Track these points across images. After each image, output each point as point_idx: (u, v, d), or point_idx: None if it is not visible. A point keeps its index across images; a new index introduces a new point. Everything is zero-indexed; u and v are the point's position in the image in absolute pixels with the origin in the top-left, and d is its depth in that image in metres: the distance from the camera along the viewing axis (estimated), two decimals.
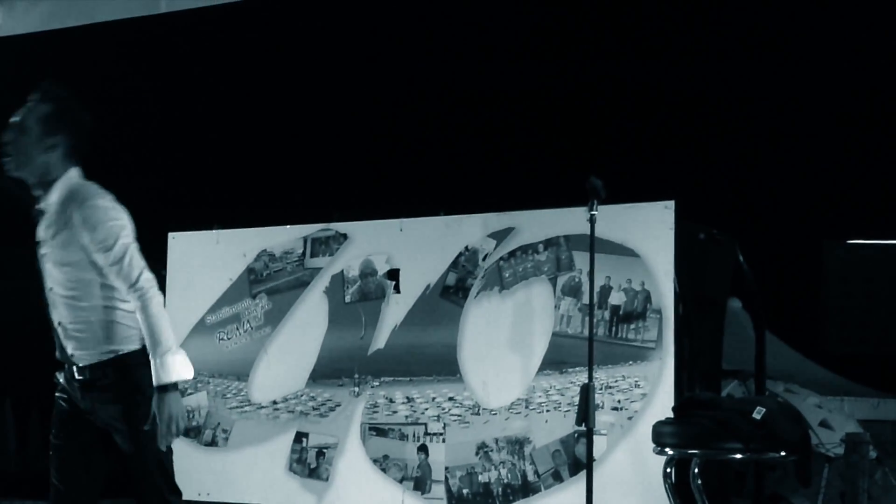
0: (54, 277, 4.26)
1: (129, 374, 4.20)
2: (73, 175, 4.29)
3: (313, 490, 6.40)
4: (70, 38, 5.96)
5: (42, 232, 4.27)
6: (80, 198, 4.21)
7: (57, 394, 4.38)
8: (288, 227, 6.73)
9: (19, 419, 9.37)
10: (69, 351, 4.26)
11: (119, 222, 4.20)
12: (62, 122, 4.28)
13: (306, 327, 6.58)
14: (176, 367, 4.13)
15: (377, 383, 6.30)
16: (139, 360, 4.21)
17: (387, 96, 6.53)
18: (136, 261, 4.19)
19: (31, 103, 4.28)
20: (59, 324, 4.27)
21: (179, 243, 7.02)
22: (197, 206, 7.09)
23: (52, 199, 4.24)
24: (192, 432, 6.80)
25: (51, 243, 4.25)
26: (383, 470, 6.20)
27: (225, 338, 6.82)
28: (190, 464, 6.48)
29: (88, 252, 4.18)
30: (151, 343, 4.14)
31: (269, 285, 6.73)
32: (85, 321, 4.24)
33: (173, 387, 4.12)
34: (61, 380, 4.35)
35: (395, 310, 6.32)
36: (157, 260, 7.06)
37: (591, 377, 5.00)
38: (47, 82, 4.33)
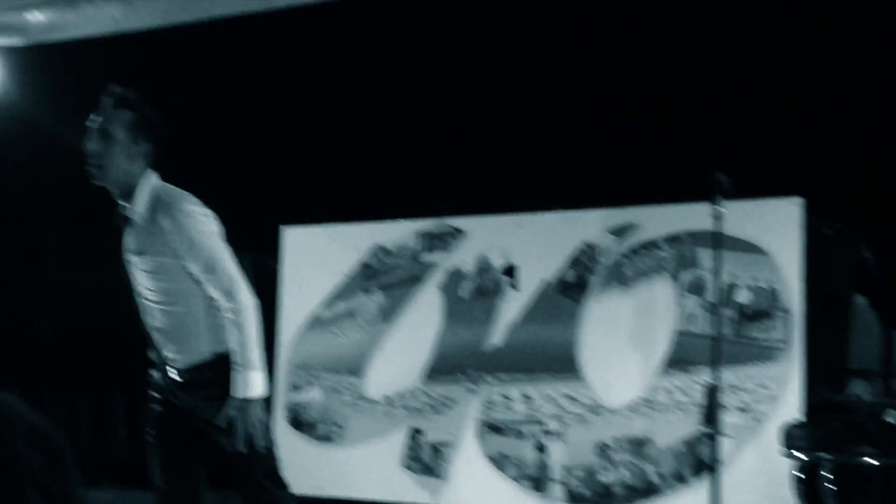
0: (146, 285, 4.29)
1: (227, 374, 4.24)
2: (154, 181, 4.31)
3: (428, 487, 6.42)
4: (188, 33, 6.03)
5: (130, 241, 4.30)
6: (167, 204, 4.22)
7: (151, 392, 4.42)
8: (402, 221, 6.75)
9: (129, 408, 9.52)
10: (166, 354, 4.31)
11: (209, 228, 4.22)
12: (146, 130, 4.30)
13: (421, 323, 6.60)
14: (258, 383, 4.17)
15: (494, 380, 6.29)
16: (234, 360, 4.25)
17: (501, 89, 6.49)
18: (232, 271, 4.21)
19: (110, 109, 4.28)
20: (154, 329, 4.32)
21: (293, 237, 7.07)
22: (310, 200, 7.13)
23: (137, 208, 4.25)
24: (307, 427, 6.86)
25: (140, 252, 4.27)
26: (500, 468, 6.20)
27: (339, 333, 6.87)
28: (304, 459, 6.55)
29: (181, 259, 4.20)
30: (239, 356, 4.17)
31: (383, 280, 6.76)
32: (180, 325, 4.27)
33: (250, 399, 4.17)
34: (156, 378, 4.39)
35: (512, 306, 6.31)
36: (270, 254, 7.13)
37: (716, 377, 4.95)
38: (119, 87, 4.34)
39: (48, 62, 6.71)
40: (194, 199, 4.26)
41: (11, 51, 6.43)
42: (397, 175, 6.88)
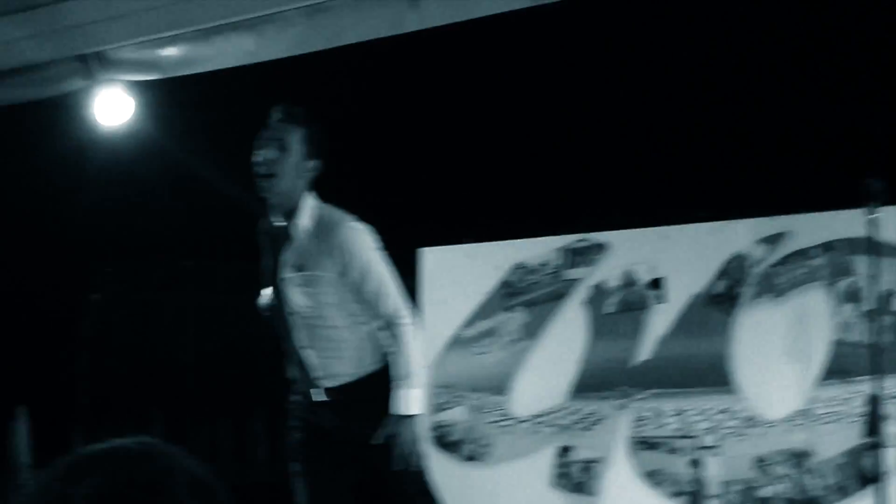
0: (301, 302, 4.36)
1: (380, 392, 4.29)
2: (315, 200, 4.38)
3: None
4: (319, 61, 6.13)
5: (289, 257, 4.37)
6: (336, 222, 4.31)
7: (292, 422, 4.47)
8: (543, 238, 6.76)
9: (270, 431, 9.67)
10: (317, 373, 4.37)
11: (375, 246, 4.31)
12: (319, 148, 4.39)
13: (565, 340, 6.60)
14: (417, 401, 4.23)
15: (644, 396, 6.27)
16: (388, 379, 4.30)
17: (641, 99, 6.48)
18: (394, 290, 4.28)
19: (282, 123, 4.37)
20: (305, 347, 4.38)
21: (432, 258, 7.12)
22: (449, 220, 7.19)
23: (301, 224, 4.33)
24: (452, 447, 6.90)
25: (300, 268, 4.34)
26: (654, 485, 6.17)
27: (481, 352, 6.89)
28: (451, 479, 6.58)
29: (345, 276, 4.27)
30: (401, 373, 4.22)
31: (525, 298, 6.77)
32: (334, 342, 4.35)
33: (413, 417, 4.23)
34: (298, 403, 4.45)
35: (660, 320, 6.28)
36: (408, 275, 7.19)
37: (877, 387, 4.88)
38: (292, 105, 4.43)
39: (180, 94, 6.86)
40: (356, 219, 4.35)
41: (144, 84, 6.59)
42: (537, 191, 6.90)
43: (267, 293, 4.46)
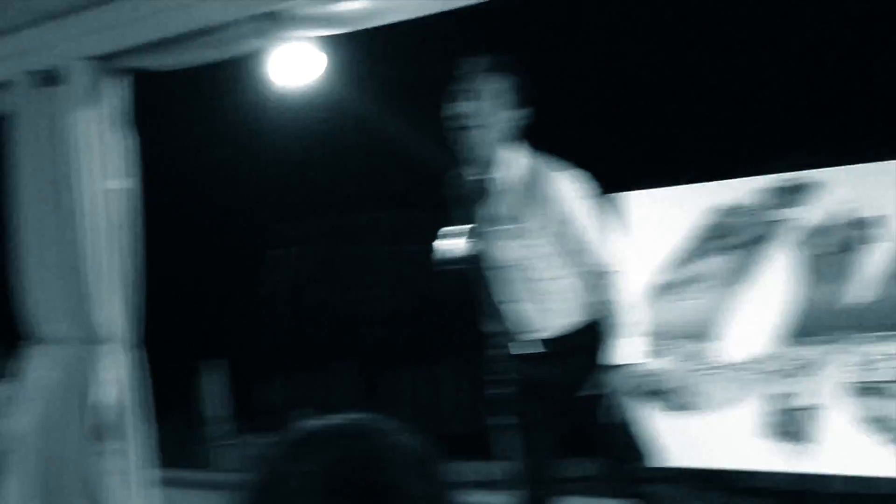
0: (512, 254, 4.41)
1: (590, 343, 4.34)
2: (522, 150, 4.41)
3: (792, 454, 6.38)
4: (513, 6, 6.17)
5: (495, 210, 4.41)
6: (543, 173, 4.35)
7: (494, 375, 4.54)
8: (748, 179, 6.68)
9: (464, 379, 9.80)
10: (527, 326, 4.43)
11: (584, 195, 4.34)
12: (520, 97, 4.42)
13: (775, 283, 6.54)
14: (627, 351, 4.26)
15: (861, 339, 6.18)
16: (599, 330, 4.34)
17: (843, 35, 6.35)
18: (603, 239, 4.31)
19: (485, 73, 4.40)
20: (514, 300, 4.43)
21: (634, 202, 7.11)
22: (652, 162, 7.17)
23: (507, 176, 4.38)
24: (660, 396, 6.92)
25: (510, 220, 4.39)
26: (873, 432, 6.10)
27: (687, 298, 6.88)
28: (659, 429, 6.60)
29: (554, 226, 4.31)
30: (611, 324, 4.26)
31: (733, 241, 6.72)
32: (546, 294, 4.40)
33: (623, 366, 4.27)
34: (501, 356, 4.51)
35: (877, 260, 6.17)
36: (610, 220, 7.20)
37: None
38: (490, 54, 4.46)
39: (365, 48, 6.98)
40: (566, 166, 4.39)
41: (327, 39, 6.72)
42: (742, 130, 6.83)
43: (452, 246, 4.52)
